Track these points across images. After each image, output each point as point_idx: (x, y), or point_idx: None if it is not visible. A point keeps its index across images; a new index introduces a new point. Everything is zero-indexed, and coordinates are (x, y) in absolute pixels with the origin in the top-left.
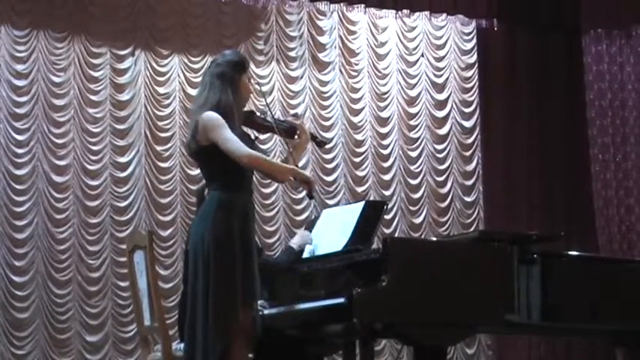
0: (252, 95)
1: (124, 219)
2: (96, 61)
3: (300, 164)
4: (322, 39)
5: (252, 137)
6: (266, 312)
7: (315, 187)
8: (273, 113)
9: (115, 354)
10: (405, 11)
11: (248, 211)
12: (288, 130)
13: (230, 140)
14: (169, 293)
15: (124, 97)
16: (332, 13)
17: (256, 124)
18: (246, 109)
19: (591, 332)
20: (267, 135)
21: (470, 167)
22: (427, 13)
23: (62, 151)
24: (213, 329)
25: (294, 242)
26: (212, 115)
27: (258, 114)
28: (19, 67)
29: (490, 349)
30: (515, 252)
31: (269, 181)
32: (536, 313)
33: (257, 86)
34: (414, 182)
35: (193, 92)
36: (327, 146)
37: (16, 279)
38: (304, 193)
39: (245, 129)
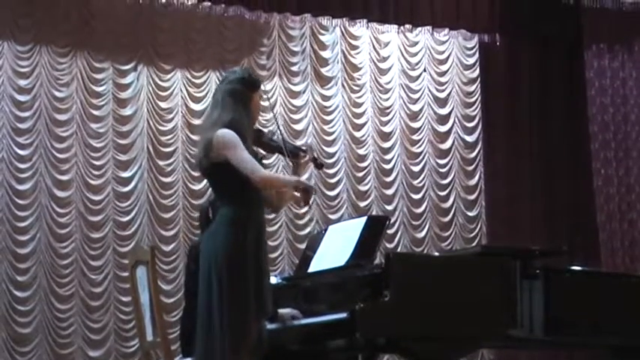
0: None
1: (126, 234)
2: (98, 76)
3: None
4: (325, 54)
5: (259, 156)
6: (269, 327)
7: (313, 195)
8: (282, 135)
9: None
10: (407, 26)
11: (260, 227)
12: (292, 154)
13: (246, 161)
14: (172, 308)
15: (127, 112)
16: (334, 28)
17: (263, 144)
18: None
19: (593, 346)
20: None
21: (472, 182)
22: (429, 27)
23: (65, 166)
24: (229, 345)
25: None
26: (228, 133)
27: (265, 133)
28: (22, 83)
29: None
30: (518, 267)
31: None
32: (538, 328)
33: (271, 113)
34: (416, 197)
35: (196, 107)
36: (330, 161)
37: (18, 294)
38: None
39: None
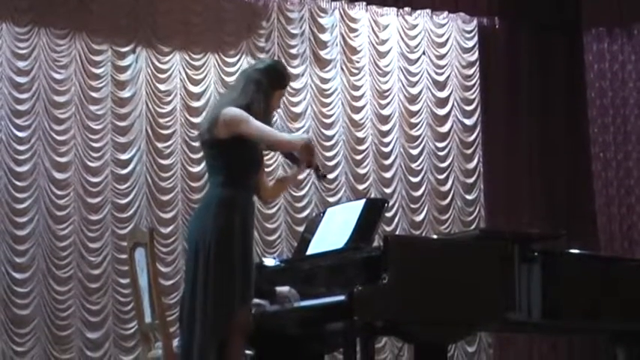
0: None
1: (124, 216)
2: (97, 58)
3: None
4: (323, 36)
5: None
6: (267, 309)
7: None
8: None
9: (116, 351)
10: (406, 9)
11: (248, 209)
12: (293, 156)
13: (262, 130)
14: (170, 290)
15: (125, 94)
16: (333, 10)
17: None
18: None
19: (592, 331)
20: None
21: (471, 165)
22: (429, 10)
23: (63, 148)
24: (211, 324)
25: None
26: (237, 110)
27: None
28: (21, 64)
29: (491, 347)
30: (516, 250)
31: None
32: (536, 312)
33: None
34: (414, 180)
35: (194, 89)
36: (328, 143)
37: (16, 276)
38: (312, 176)
39: None
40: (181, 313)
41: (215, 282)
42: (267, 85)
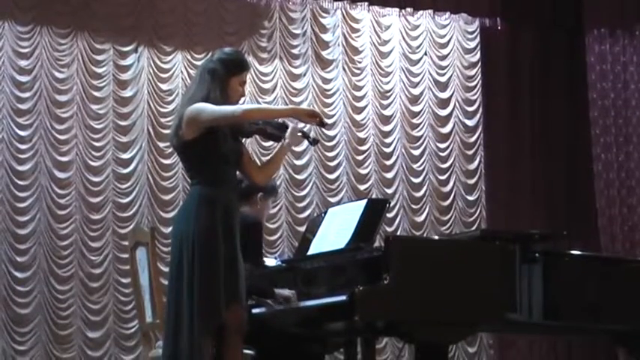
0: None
1: (126, 215)
2: (99, 58)
3: (302, 162)
4: (325, 36)
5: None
6: (269, 309)
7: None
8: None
9: (117, 350)
10: (408, 9)
11: (231, 206)
12: (276, 133)
13: (219, 110)
14: None
15: (127, 93)
16: (335, 10)
17: (242, 128)
18: None
19: (592, 332)
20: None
21: (472, 166)
22: (431, 11)
23: (65, 147)
24: (197, 325)
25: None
26: (195, 105)
27: None
28: (23, 63)
29: (492, 347)
30: (518, 251)
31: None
32: (537, 312)
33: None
34: (416, 180)
35: None
36: (330, 144)
37: (17, 274)
38: (308, 128)
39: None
40: (167, 313)
41: (200, 281)
42: (223, 72)
